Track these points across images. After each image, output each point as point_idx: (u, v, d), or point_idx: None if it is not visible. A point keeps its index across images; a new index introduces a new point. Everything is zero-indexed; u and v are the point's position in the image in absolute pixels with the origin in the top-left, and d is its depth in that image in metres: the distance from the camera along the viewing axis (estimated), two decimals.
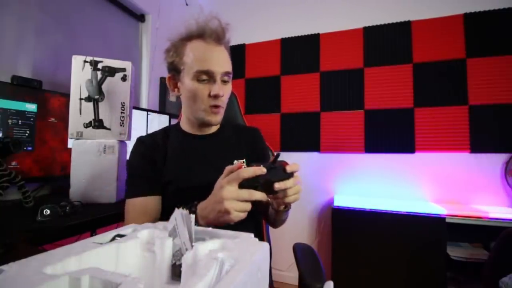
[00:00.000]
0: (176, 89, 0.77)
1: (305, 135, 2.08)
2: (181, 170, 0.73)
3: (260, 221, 0.88)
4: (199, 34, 0.70)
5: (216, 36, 0.70)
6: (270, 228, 0.93)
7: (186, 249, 0.35)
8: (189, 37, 0.71)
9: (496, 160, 1.67)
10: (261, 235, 0.85)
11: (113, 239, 0.38)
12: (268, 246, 0.39)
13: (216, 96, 0.69)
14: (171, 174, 0.73)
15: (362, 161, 1.95)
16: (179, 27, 0.73)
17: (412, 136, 1.82)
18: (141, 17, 1.92)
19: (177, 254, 0.37)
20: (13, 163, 0.99)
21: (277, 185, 0.53)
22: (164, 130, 0.83)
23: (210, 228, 0.41)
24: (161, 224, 0.43)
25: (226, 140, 0.81)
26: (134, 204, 0.69)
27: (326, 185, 2.02)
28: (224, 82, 0.72)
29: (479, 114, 1.70)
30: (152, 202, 0.70)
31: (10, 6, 1.13)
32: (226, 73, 0.71)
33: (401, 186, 1.85)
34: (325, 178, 2.03)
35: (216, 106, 0.71)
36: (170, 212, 0.73)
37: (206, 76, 0.69)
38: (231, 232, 0.40)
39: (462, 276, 1.54)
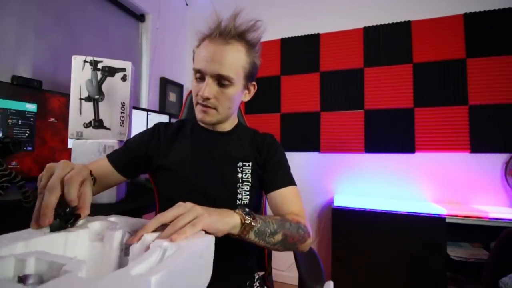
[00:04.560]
0: None
1: (305, 135, 2.08)
2: (183, 161, 0.72)
3: None
4: (209, 34, 0.67)
5: (220, 33, 0.64)
6: None
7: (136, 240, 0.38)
8: (203, 39, 0.69)
9: (496, 160, 1.67)
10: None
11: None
12: (213, 239, 0.41)
13: (201, 96, 0.65)
14: (172, 161, 0.72)
15: (362, 161, 1.95)
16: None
17: (412, 136, 1.82)
18: (141, 17, 1.92)
19: (127, 244, 0.39)
20: (13, 163, 0.99)
21: None
22: (182, 121, 0.83)
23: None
24: (112, 216, 0.46)
25: (237, 141, 0.77)
26: (100, 161, 0.71)
27: (326, 185, 2.02)
28: (221, 85, 0.66)
29: (479, 114, 1.70)
30: (106, 167, 0.70)
31: (10, 6, 1.13)
32: (218, 77, 0.64)
33: (401, 186, 1.85)
34: (325, 178, 2.03)
35: (204, 105, 0.67)
36: (166, 201, 0.75)
37: (199, 74, 0.67)
38: None
39: (462, 276, 1.54)
